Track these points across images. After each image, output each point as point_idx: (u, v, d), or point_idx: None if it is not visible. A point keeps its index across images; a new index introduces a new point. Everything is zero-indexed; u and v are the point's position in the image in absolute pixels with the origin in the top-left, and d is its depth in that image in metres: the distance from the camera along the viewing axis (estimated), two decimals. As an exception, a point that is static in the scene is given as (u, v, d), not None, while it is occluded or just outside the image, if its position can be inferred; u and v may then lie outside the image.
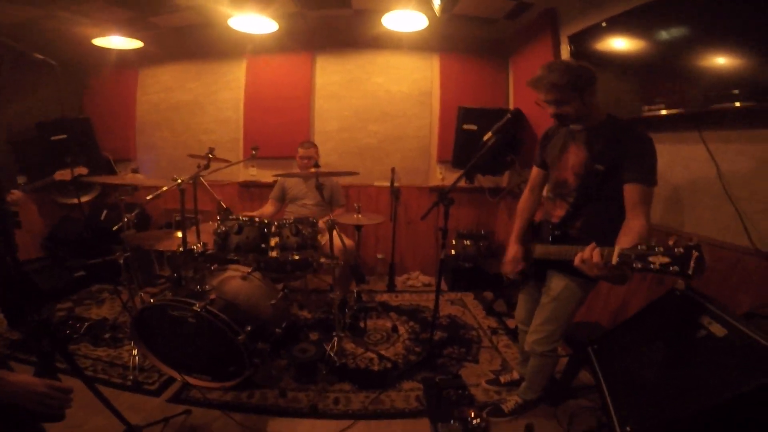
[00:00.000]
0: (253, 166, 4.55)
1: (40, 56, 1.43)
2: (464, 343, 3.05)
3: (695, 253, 1.14)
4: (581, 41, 2.87)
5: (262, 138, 4.31)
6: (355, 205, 3.07)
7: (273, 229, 2.64)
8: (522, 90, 4.07)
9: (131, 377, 2.47)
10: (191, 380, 2.34)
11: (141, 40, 3.97)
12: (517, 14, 3.70)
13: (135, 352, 2.55)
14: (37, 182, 3.02)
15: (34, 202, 4.22)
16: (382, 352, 2.86)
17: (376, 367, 2.71)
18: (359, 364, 2.74)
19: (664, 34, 2.21)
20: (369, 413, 2.28)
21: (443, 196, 2.41)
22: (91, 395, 1.47)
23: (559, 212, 1.93)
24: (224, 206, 2.89)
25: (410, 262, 4.68)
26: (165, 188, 2.29)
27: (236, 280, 2.55)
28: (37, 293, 3.34)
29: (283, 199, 3.79)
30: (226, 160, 3.00)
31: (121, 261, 2.71)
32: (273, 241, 2.61)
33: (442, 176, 4.50)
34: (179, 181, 2.27)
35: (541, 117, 1.86)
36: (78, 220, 4.35)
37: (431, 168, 4.53)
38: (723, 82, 1.92)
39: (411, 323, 3.37)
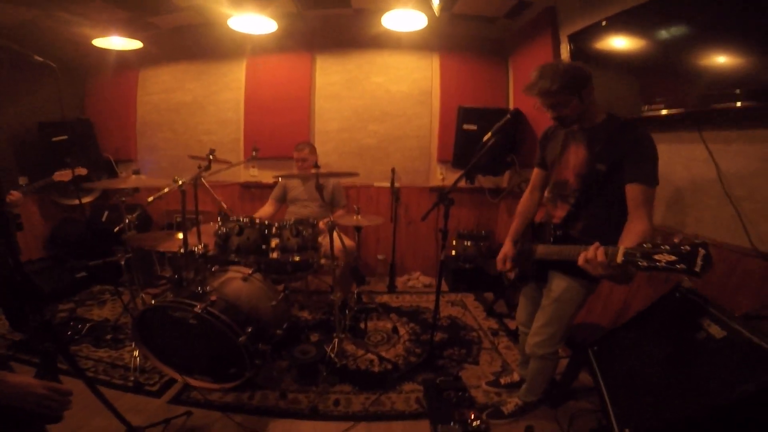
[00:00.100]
0: (254, 167, 4.56)
1: (40, 58, 1.43)
2: (465, 345, 3.05)
3: (702, 251, 1.13)
4: (581, 40, 2.86)
5: (263, 138, 4.32)
6: (355, 206, 3.07)
7: (273, 230, 2.65)
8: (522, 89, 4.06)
9: (132, 378, 2.48)
10: (192, 381, 2.34)
11: (141, 41, 3.97)
12: (516, 13, 3.70)
13: (136, 353, 2.56)
14: (37, 183, 3.03)
15: (35, 203, 4.23)
16: (383, 354, 2.86)
17: (376, 369, 2.71)
18: (360, 365, 2.74)
19: (664, 33, 2.20)
20: (369, 415, 2.28)
21: (443, 196, 2.40)
22: (93, 396, 1.47)
23: (560, 213, 1.93)
24: (225, 207, 2.90)
25: (411, 263, 4.68)
26: (166, 190, 2.29)
27: (237, 282, 2.55)
28: (39, 295, 3.35)
29: (283, 200, 3.80)
30: (226, 161, 3.00)
31: (123, 262, 2.72)
32: (273, 243, 2.63)
33: (442, 176, 4.49)
34: (180, 182, 2.27)
35: (540, 117, 1.86)
36: (79, 221, 4.36)
37: (431, 168, 4.52)
38: (723, 82, 1.91)
39: (411, 324, 3.37)
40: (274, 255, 2.62)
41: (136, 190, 3.22)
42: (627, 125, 1.72)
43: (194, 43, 4.41)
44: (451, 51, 4.36)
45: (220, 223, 2.66)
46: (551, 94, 1.69)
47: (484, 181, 4.38)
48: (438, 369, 2.71)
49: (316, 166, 2.66)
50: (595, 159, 1.74)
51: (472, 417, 2.11)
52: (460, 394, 2.34)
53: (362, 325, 3.15)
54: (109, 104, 4.65)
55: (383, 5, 3.42)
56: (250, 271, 2.60)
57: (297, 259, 2.69)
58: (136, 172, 2.73)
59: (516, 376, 2.53)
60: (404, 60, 4.39)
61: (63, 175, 3.05)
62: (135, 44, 3.98)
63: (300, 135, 4.27)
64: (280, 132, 4.39)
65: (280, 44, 4.27)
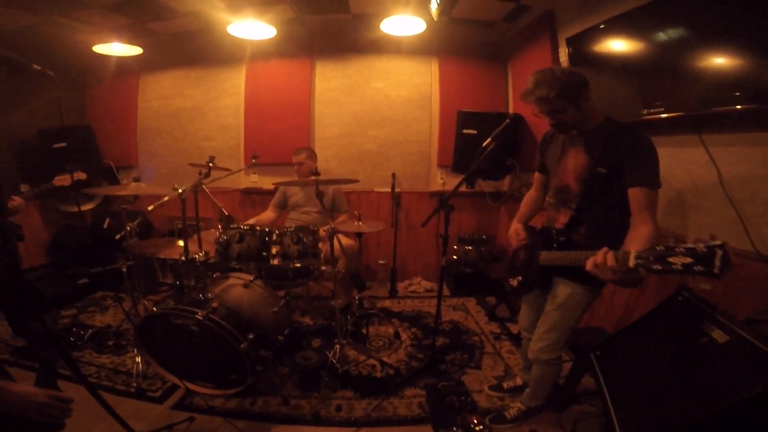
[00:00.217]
0: (254, 173, 4.56)
1: (38, 67, 1.43)
2: (467, 349, 3.05)
3: (719, 252, 1.10)
4: (579, 44, 2.86)
5: (263, 145, 4.33)
6: (356, 212, 3.07)
7: (274, 237, 2.65)
8: (521, 94, 4.08)
9: (135, 384, 2.48)
10: (194, 388, 2.34)
11: (141, 47, 4.00)
12: (515, 17, 3.72)
13: (138, 359, 2.56)
14: (38, 188, 3.03)
15: (37, 209, 4.24)
16: (385, 359, 2.85)
17: (378, 374, 2.71)
18: (362, 370, 2.74)
19: (662, 36, 2.20)
20: (371, 420, 2.28)
21: (444, 203, 2.40)
22: (95, 402, 1.47)
23: (562, 219, 1.92)
24: (226, 213, 2.90)
25: (412, 268, 4.68)
26: (166, 198, 2.30)
27: (238, 288, 2.55)
28: (39, 303, 3.35)
29: (284, 206, 3.80)
30: (226, 169, 3.01)
31: (124, 269, 2.72)
32: (274, 250, 2.63)
33: (442, 181, 4.50)
34: (180, 190, 2.28)
35: (540, 120, 1.86)
36: (80, 227, 4.37)
37: (432, 173, 4.53)
38: (723, 85, 1.91)
39: (413, 329, 3.37)
40: (275, 262, 2.63)
41: (136, 197, 3.22)
42: (625, 128, 1.72)
43: (194, 49, 4.43)
44: (451, 55, 4.38)
45: (220, 230, 2.67)
46: (547, 101, 1.69)
47: (484, 185, 4.38)
48: (440, 374, 2.70)
49: (316, 173, 2.66)
50: (596, 162, 1.74)
51: (475, 422, 2.10)
52: (462, 398, 2.33)
53: (364, 331, 3.14)
54: (110, 110, 4.66)
55: (382, 10, 3.45)
56: (251, 278, 2.61)
57: (298, 265, 2.70)
58: (137, 180, 2.74)
59: (519, 381, 2.52)
60: (403, 65, 4.40)
61: (63, 180, 3.06)
62: (135, 50, 4.01)
63: (300, 141, 4.27)
64: (280, 138, 4.39)
65: (280, 50, 4.29)
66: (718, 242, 1.11)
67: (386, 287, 4.32)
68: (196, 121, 4.60)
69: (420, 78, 4.42)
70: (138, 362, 2.55)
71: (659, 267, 1.20)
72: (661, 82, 2.29)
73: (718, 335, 1.44)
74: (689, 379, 1.44)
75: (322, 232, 2.92)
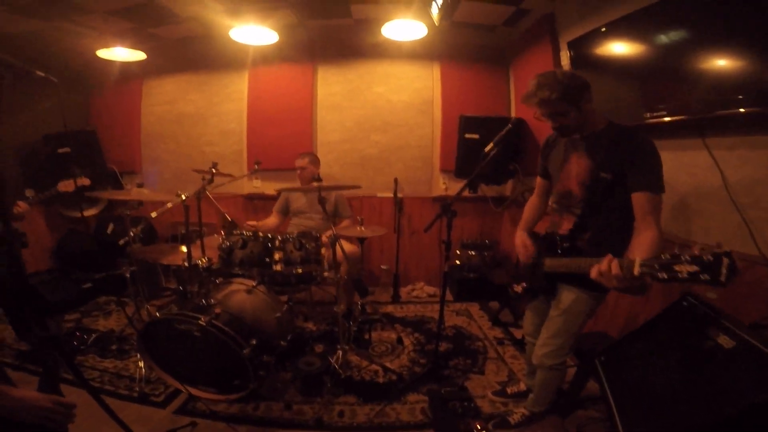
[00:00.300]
0: (257, 179, 4.58)
1: (42, 73, 1.44)
2: (470, 354, 3.03)
3: (726, 260, 1.08)
4: (581, 47, 2.86)
5: (266, 150, 4.35)
6: (358, 218, 3.07)
7: (277, 243, 2.67)
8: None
9: (137, 389, 2.48)
10: (197, 392, 2.34)
11: (144, 52, 4.03)
12: (515, 20, 3.72)
13: (141, 363, 2.56)
14: (42, 194, 3.05)
15: (42, 215, 4.27)
16: (387, 365, 2.84)
17: (381, 380, 2.70)
18: (364, 376, 2.72)
19: (665, 39, 2.20)
20: (374, 426, 2.26)
21: (446, 208, 2.39)
22: (98, 407, 1.47)
23: (566, 225, 1.91)
24: (229, 219, 2.91)
25: (415, 273, 4.67)
26: (169, 204, 2.31)
27: (241, 294, 2.55)
28: (43, 308, 3.36)
29: (286, 212, 3.81)
30: (229, 175, 3.02)
31: (127, 275, 2.73)
32: (277, 256, 2.64)
33: (445, 186, 4.49)
34: (183, 197, 2.29)
35: (542, 124, 1.85)
36: (84, 233, 4.38)
37: (434, 178, 4.53)
38: (726, 88, 1.90)
39: (416, 334, 3.35)
40: (278, 267, 2.63)
41: (140, 203, 3.24)
42: (627, 132, 1.71)
43: (197, 53, 4.46)
44: (452, 60, 4.39)
45: (223, 237, 2.67)
46: (550, 103, 1.69)
47: (487, 190, 4.37)
48: (443, 379, 2.68)
49: (318, 178, 2.67)
50: (599, 167, 1.73)
51: (478, 427, 2.09)
52: (465, 404, 2.32)
53: (366, 336, 3.13)
54: (114, 115, 4.70)
55: (383, 15, 3.46)
56: (254, 284, 2.61)
57: (300, 271, 2.70)
58: (140, 185, 2.74)
59: (523, 386, 2.50)
60: (405, 69, 4.42)
61: (66, 186, 3.07)
62: (139, 55, 4.03)
63: (302, 146, 4.29)
64: (283, 143, 4.41)
65: (282, 55, 4.32)
66: (724, 250, 1.10)
67: (389, 292, 4.31)
68: (199, 126, 4.63)
69: (422, 82, 4.43)
70: (141, 367, 2.56)
71: (664, 275, 1.19)
72: (663, 85, 2.28)
73: (725, 341, 1.43)
74: (695, 384, 1.43)
75: (325, 240, 2.92)
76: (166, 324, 2.24)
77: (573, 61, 2.93)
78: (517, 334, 3.28)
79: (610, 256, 1.39)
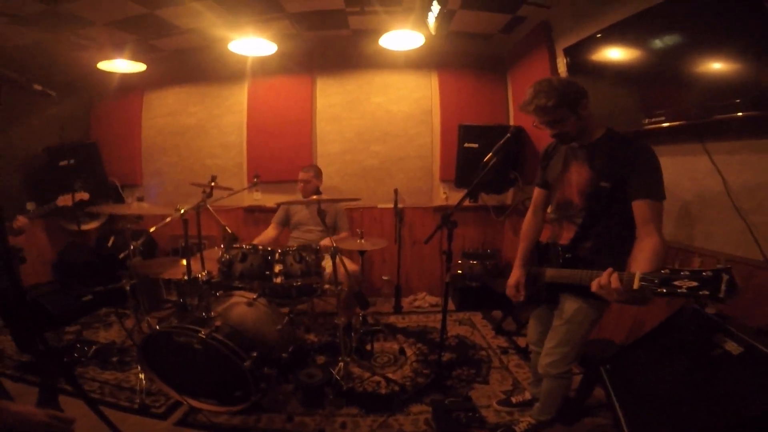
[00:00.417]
0: (257, 191, 4.57)
1: (39, 87, 1.45)
2: (474, 364, 3.00)
3: (725, 276, 1.09)
4: (577, 53, 2.87)
5: (266, 162, 4.36)
6: (358, 230, 3.07)
7: (277, 256, 2.66)
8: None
9: (138, 401, 2.46)
10: (198, 404, 2.33)
11: (144, 63, 4.07)
12: (511, 28, 3.76)
13: (142, 375, 2.54)
14: (42, 208, 3.06)
15: (43, 228, 4.28)
16: (390, 375, 2.81)
17: (383, 391, 2.66)
18: (366, 387, 2.70)
19: (660, 44, 2.20)
20: (377, 438, 2.23)
21: (446, 219, 2.38)
22: (98, 419, 1.46)
23: (567, 234, 1.88)
24: (230, 231, 2.91)
25: (416, 283, 4.65)
26: (168, 219, 2.32)
27: (241, 307, 2.54)
28: (41, 322, 3.34)
29: (286, 223, 3.80)
30: (228, 188, 3.02)
31: (127, 288, 2.72)
32: (277, 268, 2.63)
33: (445, 195, 4.49)
34: (182, 211, 2.29)
35: (542, 132, 1.85)
36: (85, 245, 4.38)
37: (434, 188, 4.53)
38: (724, 92, 1.90)
39: (418, 345, 3.32)
40: (278, 280, 2.63)
41: (140, 217, 3.24)
42: (627, 139, 1.70)
43: (197, 65, 4.49)
44: (450, 69, 4.42)
45: (223, 250, 2.67)
46: (547, 111, 1.69)
47: (488, 199, 4.37)
48: (447, 389, 2.65)
49: (318, 192, 2.67)
50: (599, 176, 1.72)
51: (483, 438, 2.06)
52: (470, 414, 2.29)
53: (368, 347, 3.11)
54: (115, 127, 4.71)
55: (381, 26, 3.50)
56: (255, 296, 2.60)
57: (300, 283, 2.70)
58: (140, 199, 2.76)
59: (528, 395, 2.47)
60: (403, 79, 4.44)
61: (65, 200, 3.07)
62: (139, 67, 4.06)
63: (303, 158, 4.30)
64: (283, 155, 4.42)
65: (281, 66, 4.34)
66: (724, 266, 1.11)
67: (391, 303, 4.29)
68: (200, 138, 4.64)
69: (420, 92, 4.45)
70: (142, 378, 2.53)
71: (664, 290, 1.19)
72: (661, 91, 2.28)
73: (732, 347, 1.41)
74: (702, 391, 1.41)
75: (322, 244, 2.92)
76: (166, 336, 2.24)
77: (570, 67, 2.94)
78: (521, 342, 3.25)
79: (610, 269, 1.39)
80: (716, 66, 1.94)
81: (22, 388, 2.51)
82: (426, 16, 3.06)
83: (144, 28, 3.67)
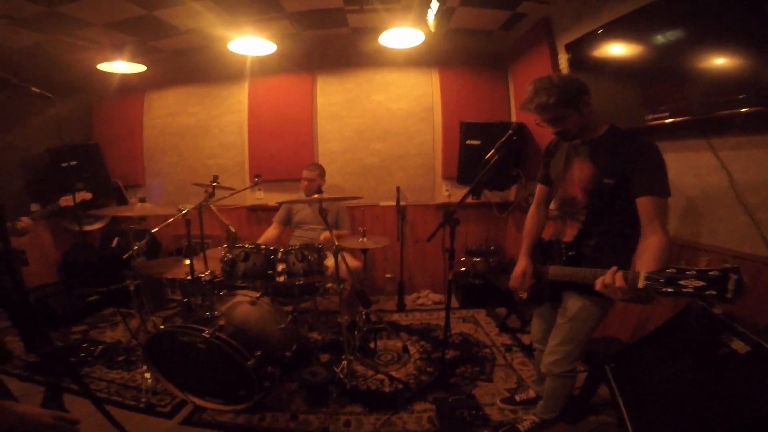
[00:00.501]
0: (260, 190, 4.57)
1: (37, 90, 1.46)
2: (477, 362, 2.99)
3: (733, 276, 1.05)
4: (578, 49, 2.85)
5: (267, 161, 4.36)
6: (360, 228, 3.06)
7: (279, 255, 2.67)
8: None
9: (144, 400, 2.49)
10: (202, 403, 2.34)
11: (144, 64, 4.07)
12: (511, 25, 3.74)
13: (148, 374, 2.56)
14: (45, 209, 3.07)
15: (47, 229, 4.30)
16: (393, 374, 2.81)
17: (387, 389, 2.66)
18: (370, 385, 2.70)
19: (663, 39, 2.18)
20: (381, 436, 2.24)
21: (448, 217, 2.37)
22: (104, 418, 1.47)
23: (570, 232, 1.87)
24: (233, 230, 2.91)
25: (419, 281, 4.64)
26: (171, 220, 2.32)
27: (245, 306, 2.55)
28: (46, 323, 3.36)
29: (288, 222, 3.81)
30: (230, 188, 3.02)
31: (132, 288, 2.73)
32: (279, 267, 2.64)
33: (448, 193, 4.48)
34: (184, 211, 2.29)
35: (543, 129, 1.84)
36: (89, 246, 4.40)
37: (436, 185, 4.52)
38: (727, 87, 1.88)
39: (422, 342, 3.32)
40: (281, 279, 2.63)
41: (143, 218, 3.24)
42: (629, 136, 1.69)
43: (197, 65, 4.49)
44: (451, 66, 4.39)
45: (226, 250, 2.68)
46: (548, 108, 1.67)
47: (490, 195, 4.36)
48: (450, 387, 2.65)
49: (320, 191, 2.67)
50: (602, 173, 1.70)
51: (487, 436, 2.06)
52: (473, 412, 2.29)
53: (372, 345, 3.11)
54: (117, 128, 4.72)
55: (380, 24, 3.48)
56: (258, 295, 2.60)
57: (302, 282, 2.70)
58: (142, 200, 2.76)
59: (531, 393, 2.46)
60: (404, 77, 4.43)
61: (68, 201, 3.08)
62: (139, 68, 4.06)
63: (304, 157, 4.29)
64: (284, 154, 4.42)
65: (281, 65, 4.34)
66: (732, 265, 1.08)
67: (394, 301, 4.28)
68: (201, 138, 4.64)
69: (421, 90, 4.43)
70: (147, 378, 2.55)
71: (669, 290, 1.17)
72: (664, 86, 2.25)
73: (739, 345, 1.40)
74: (708, 390, 1.40)
75: (322, 238, 2.91)
76: (171, 336, 2.25)
77: (571, 63, 2.92)
78: (525, 340, 3.24)
79: (614, 268, 1.38)
80: (719, 61, 1.92)
81: (30, 388, 2.53)
82: (425, 14, 3.05)
83: (143, 30, 3.67)
